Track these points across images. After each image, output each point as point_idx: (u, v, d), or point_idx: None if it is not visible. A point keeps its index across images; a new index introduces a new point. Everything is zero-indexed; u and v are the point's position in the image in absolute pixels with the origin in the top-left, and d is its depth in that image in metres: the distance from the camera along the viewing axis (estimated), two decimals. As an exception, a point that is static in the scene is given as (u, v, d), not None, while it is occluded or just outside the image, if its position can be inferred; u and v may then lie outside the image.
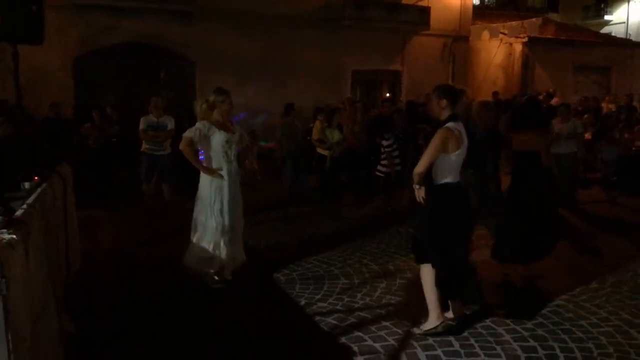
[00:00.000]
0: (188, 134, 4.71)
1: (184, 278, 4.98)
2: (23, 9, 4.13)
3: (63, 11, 10.49)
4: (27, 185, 3.41)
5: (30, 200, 3.00)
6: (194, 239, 4.87)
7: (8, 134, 5.05)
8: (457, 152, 3.83)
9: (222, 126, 4.80)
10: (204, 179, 4.83)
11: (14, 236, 2.25)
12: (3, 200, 2.65)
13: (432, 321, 3.94)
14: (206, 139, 4.73)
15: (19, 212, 2.65)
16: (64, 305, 3.65)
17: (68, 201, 4.44)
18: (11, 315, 2.07)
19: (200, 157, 4.99)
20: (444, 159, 3.85)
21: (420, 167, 3.83)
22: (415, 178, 3.84)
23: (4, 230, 2.29)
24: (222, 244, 4.80)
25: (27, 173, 3.52)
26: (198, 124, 4.75)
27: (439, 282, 3.92)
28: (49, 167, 4.06)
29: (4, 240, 2.16)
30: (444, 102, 3.90)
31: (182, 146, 4.73)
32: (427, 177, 3.91)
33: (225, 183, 4.79)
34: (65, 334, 3.34)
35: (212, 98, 4.79)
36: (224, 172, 4.78)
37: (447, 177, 3.89)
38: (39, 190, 3.38)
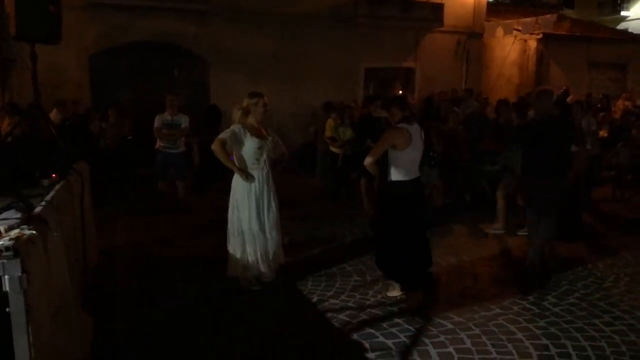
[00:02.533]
0: (222, 135, 4.70)
1: (199, 275, 5.04)
2: (41, 9, 4.21)
3: (78, 10, 10.57)
4: (45, 182, 3.49)
5: (48, 197, 3.07)
6: (232, 248, 4.89)
7: (25, 133, 5.15)
8: (406, 150, 4.31)
9: (256, 131, 4.79)
10: (236, 185, 4.83)
11: (34, 232, 2.31)
12: (23, 197, 2.72)
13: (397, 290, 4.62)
14: (239, 143, 4.72)
15: (38, 209, 2.71)
16: (81, 300, 3.72)
17: (85, 198, 4.51)
18: (31, 309, 2.13)
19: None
20: (395, 156, 4.35)
21: (367, 160, 4.37)
22: (370, 169, 4.46)
23: (24, 226, 2.35)
24: (258, 249, 4.82)
25: (45, 170, 3.60)
26: (233, 127, 4.74)
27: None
28: (67, 164, 4.13)
29: (25, 236, 2.22)
30: (394, 109, 4.48)
31: (214, 146, 4.66)
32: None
33: (255, 188, 4.78)
34: (83, 328, 3.40)
35: (245, 102, 4.78)
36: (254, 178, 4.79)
37: (399, 174, 4.38)
38: (57, 187, 3.45)
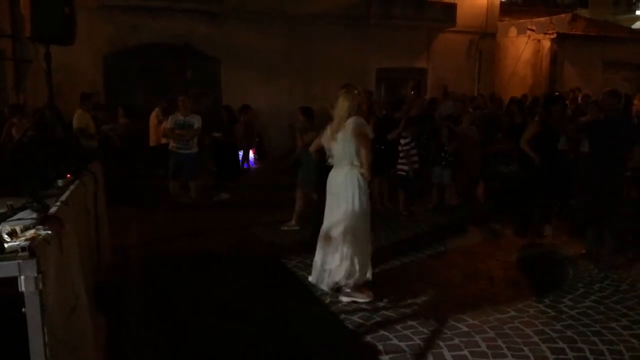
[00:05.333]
0: (370, 134, 4.49)
1: (211, 274, 5.02)
2: (55, 11, 4.24)
3: (91, 11, 10.66)
4: (60, 182, 3.50)
5: (63, 198, 3.07)
6: (350, 254, 4.44)
7: (39, 135, 5.17)
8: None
9: None
10: (359, 184, 4.44)
11: (50, 232, 2.30)
12: (38, 197, 2.72)
13: None
14: None
15: (53, 209, 2.71)
16: (95, 299, 3.73)
17: (99, 198, 4.53)
18: (47, 309, 2.12)
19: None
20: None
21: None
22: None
23: (40, 227, 2.35)
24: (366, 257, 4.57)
25: (60, 171, 3.61)
26: (361, 120, 4.45)
27: None
28: (81, 165, 4.15)
29: (40, 236, 2.22)
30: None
31: (367, 153, 4.40)
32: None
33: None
34: (97, 327, 3.40)
35: (355, 95, 4.46)
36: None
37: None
38: (71, 187, 3.45)
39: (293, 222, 6.91)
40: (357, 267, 4.45)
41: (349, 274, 4.44)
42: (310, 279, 4.74)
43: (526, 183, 6.48)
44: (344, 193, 4.45)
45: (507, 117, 9.30)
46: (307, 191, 6.83)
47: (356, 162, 4.45)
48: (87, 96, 8.13)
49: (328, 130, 4.59)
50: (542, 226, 6.40)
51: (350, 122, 4.38)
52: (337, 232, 4.48)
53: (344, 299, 4.50)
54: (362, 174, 4.45)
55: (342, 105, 4.42)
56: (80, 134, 7.66)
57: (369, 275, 4.56)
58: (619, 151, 5.36)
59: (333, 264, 4.48)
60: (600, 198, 5.42)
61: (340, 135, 4.42)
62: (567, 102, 9.70)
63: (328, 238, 4.53)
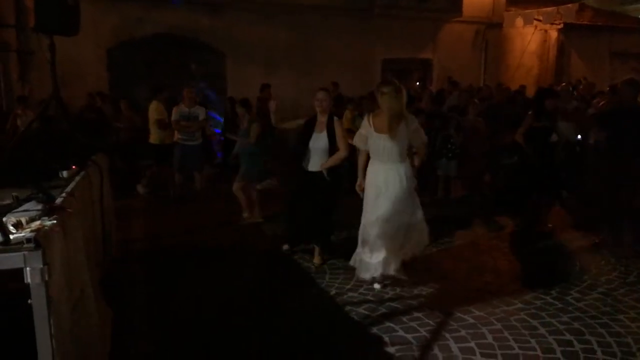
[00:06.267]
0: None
1: (217, 268, 5.02)
2: (59, 1, 4.21)
3: (96, 2, 10.63)
4: (65, 174, 3.49)
5: (68, 189, 3.07)
6: (394, 250, 4.56)
7: (43, 127, 5.16)
8: None
9: None
10: (413, 180, 4.58)
11: (55, 223, 2.30)
12: (43, 188, 2.71)
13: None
14: None
15: (58, 200, 2.71)
16: (101, 291, 3.73)
17: (105, 190, 4.52)
18: (53, 301, 2.12)
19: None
20: None
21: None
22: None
23: (45, 218, 2.34)
24: None
25: (65, 162, 3.60)
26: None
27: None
28: (85, 156, 4.13)
29: (46, 228, 2.21)
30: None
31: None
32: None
33: None
34: (103, 319, 3.41)
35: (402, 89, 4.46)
36: None
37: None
38: (77, 178, 3.45)
39: (253, 214, 6.82)
40: (394, 263, 4.52)
41: (386, 269, 4.51)
42: (351, 263, 4.80)
43: (524, 176, 6.47)
44: (398, 187, 4.44)
45: (512, 108, 9.23)
46: (252, 182, 6.75)
47: (403, 156, 4.50)
48: (160, 89, 8.40)
49: (370, 126, 4.53)
50: (536, 217, 6.42)
51: (410, 119, 4.46)
52: (386, 225, 4.43)
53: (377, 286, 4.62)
54: (418, 163, 4.67)
55: (394, 102, 4.33)
56: (160, 125, 7.96)
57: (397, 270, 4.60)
58: (634, 141, 5.38)
59: (377, 259, 4.52)
60: (614, 188, 5.47)
61: (400, 131, 4.38)
62: (574, 93, 9.61)
63: (369, 233, 4.53)
